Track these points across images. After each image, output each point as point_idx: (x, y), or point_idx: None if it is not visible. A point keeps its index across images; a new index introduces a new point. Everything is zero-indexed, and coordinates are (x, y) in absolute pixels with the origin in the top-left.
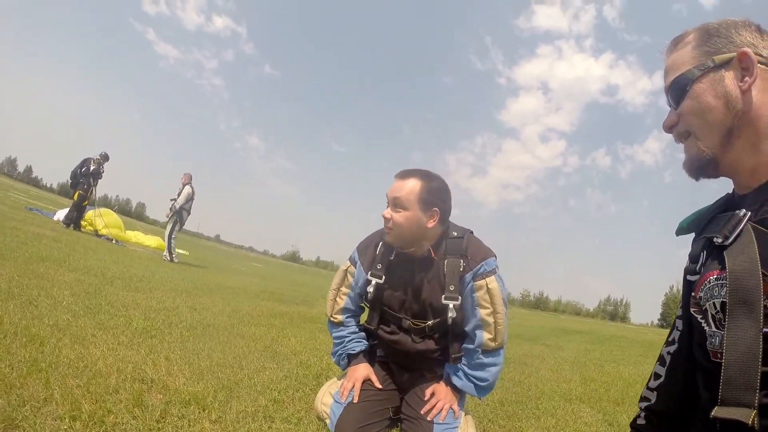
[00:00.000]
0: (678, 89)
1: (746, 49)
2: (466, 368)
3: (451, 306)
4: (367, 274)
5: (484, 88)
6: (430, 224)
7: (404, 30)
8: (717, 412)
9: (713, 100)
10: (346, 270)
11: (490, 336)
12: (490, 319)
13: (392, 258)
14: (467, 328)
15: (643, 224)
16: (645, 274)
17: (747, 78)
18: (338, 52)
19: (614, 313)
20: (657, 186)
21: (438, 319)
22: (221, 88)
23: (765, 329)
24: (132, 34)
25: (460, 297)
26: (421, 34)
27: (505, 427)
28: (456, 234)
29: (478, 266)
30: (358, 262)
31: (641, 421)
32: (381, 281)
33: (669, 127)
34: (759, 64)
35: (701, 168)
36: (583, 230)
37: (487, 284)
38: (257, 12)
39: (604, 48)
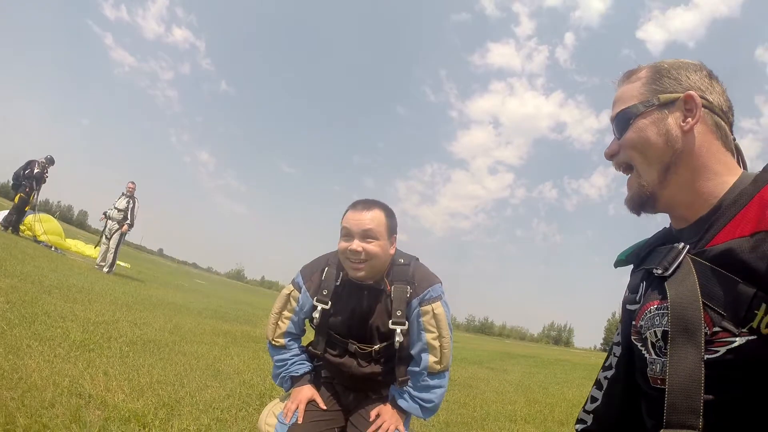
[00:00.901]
0: (622, 121)
1: (692, 92)
2: (411, 390)
3: (398, 331)
4: (313, 300)
5: (437, 120)
6: (392, 251)
7: (360, 58)
8: None
9: (654, 137)
10: (289, 294)
11: (436, 359)
12: (436, 343)
13: (338, 283)
14: (413, 352)
15: (586, 254)
16: (588, 300)
17: (689, 119)
18: (294, 75)
19: (558, 337)
20: (601, 218)
21: (384, 344)
22: (174, 100)
23: (707, 356)
24: (89, 37)
25: (407, 322)
26: (377, 64)
27: None
28: (402, 261)
29: (425, 292)
30: (303, 288)
31: None
32: (327, 307)
33: (610, 156)
34: (703, 108)
35: (642, 204)
36: (528, 259)
37: (433, 309)
38: (217, 28)
39: (555, 87)
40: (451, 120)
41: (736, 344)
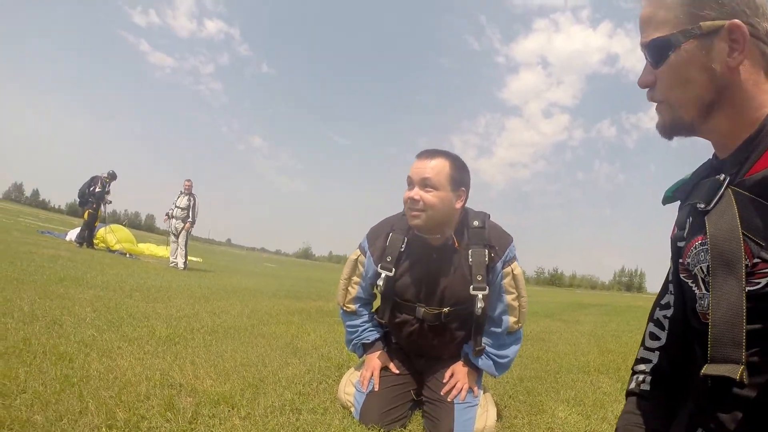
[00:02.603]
0: (658, 52)
1: (737, 21)
2: (489, 348)
3: (479, 296)
4: (377, 267)
5: (483, 68)
6: (458, 205)
7: (396, 16)
8: (706, 369)
9: (696, 73)
10: (357, 259)
11: (515, 319)
12: (515, 303)
13: (403, 248)
14: (493, 315)
15: (652, 191)
16: (657, 241)
17: (736, 53)
18: (332, 45)
19: (630, 284)
20: (664, 151)
21: (455, 308)
22: (220, 91)
23: (748, 288)
24: (125, 47)
25: (488, 287)
26: (414, 19)
27: (525, 402)
28: (477, 224)
29: (505, 254)
30: (368, 252)
31: (645, 386)
32: (391, 274)
33: (645, 86)
34: (750, 36)
35: (674, 129)
36: (593, 202)
37: (512, 270)
38: (249, 12)
39: (601, 17)
40: (498, 66)
41: None
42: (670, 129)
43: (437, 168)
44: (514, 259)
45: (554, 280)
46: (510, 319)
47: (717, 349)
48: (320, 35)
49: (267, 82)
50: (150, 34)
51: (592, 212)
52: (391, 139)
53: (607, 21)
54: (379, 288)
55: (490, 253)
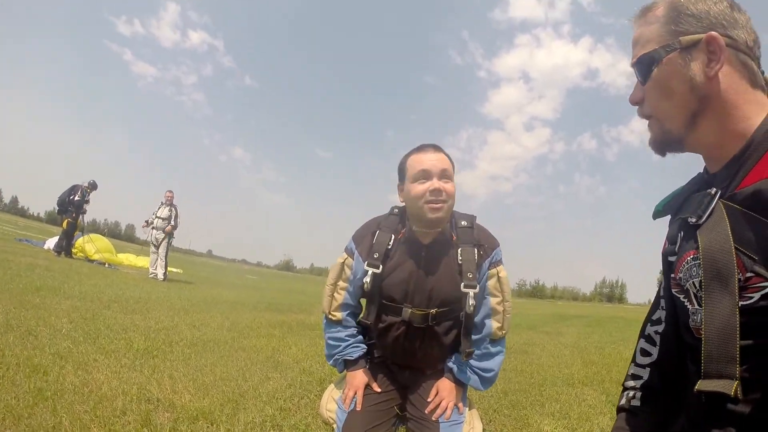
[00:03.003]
0: (644, 68)
1: (714, 33)
2: (471, 360)
3: (471, 294)
4: (364, 264)
5: (465, 83)
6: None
7: (379, 31)
8: (700, 385)
9: (677, 85)
10: (343, 263)
11: (499, 325)
12: (500, 308)
13: (390, 246)
14: (476, 319)
15: (633, 203)
16: (638, 252)
17: (713, 63)
18: (316, 60)
19: (611, 294)
20: (645, 165)
21: (443, 309)
22: (202, 103)
23: (741, 303)
24: (108, 57)
25: (478, 285)
26: (398, 36)
27: (510, 416)
28: (465, 223)
29: (492, 255)
30: (356, 253)
31: (636, 402)
32: (378, 271)
33: (635, 102)
34: (727, 47)
35: (666, 145)
36: (574, 215)
37: (498, 273)
38: (233, 24)
39: (582, 33)
40: (480, 80)
41: None
42: (660, 144)
43: (446, 160)
44: (500, 262)
45: (536, 292)
46: (493, 324)
47: (711, 365)
48: (304, 50)
49: (250, 95)
50: (134, 43)
51: (573, 224)
52: (373, 153)
53: (588, 36)
54: (366, 285)
55: (479, 251)
